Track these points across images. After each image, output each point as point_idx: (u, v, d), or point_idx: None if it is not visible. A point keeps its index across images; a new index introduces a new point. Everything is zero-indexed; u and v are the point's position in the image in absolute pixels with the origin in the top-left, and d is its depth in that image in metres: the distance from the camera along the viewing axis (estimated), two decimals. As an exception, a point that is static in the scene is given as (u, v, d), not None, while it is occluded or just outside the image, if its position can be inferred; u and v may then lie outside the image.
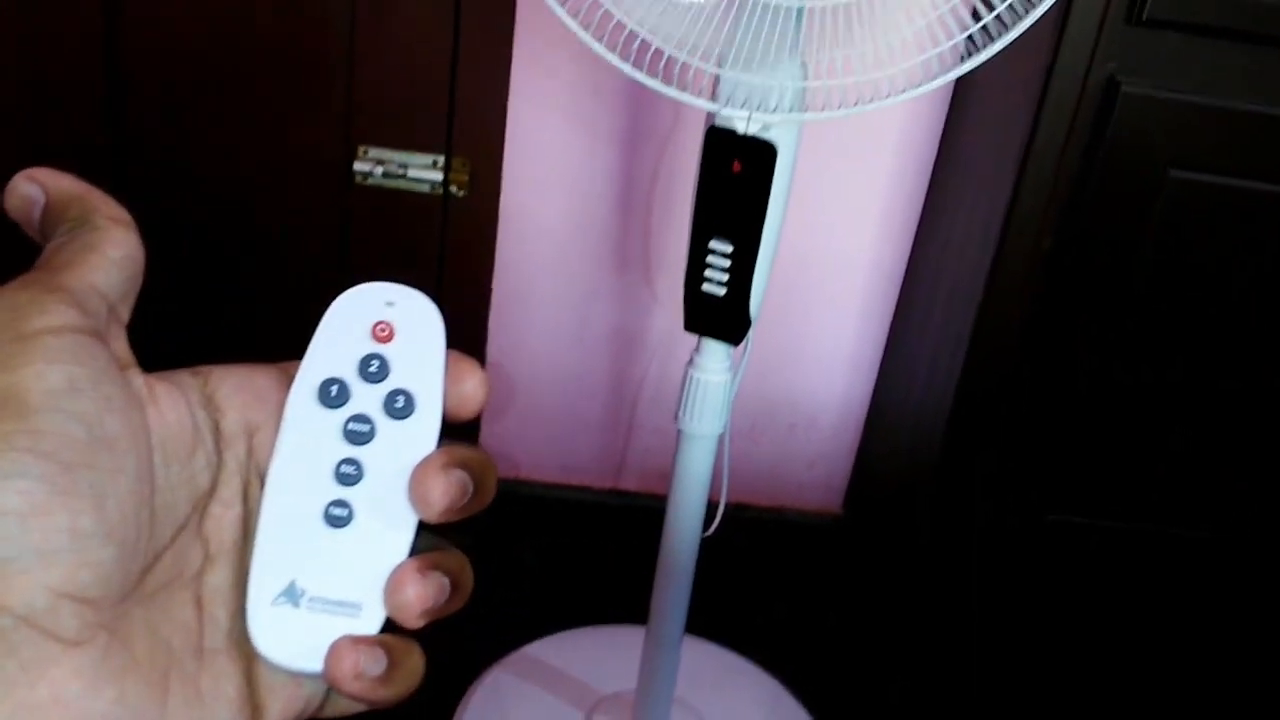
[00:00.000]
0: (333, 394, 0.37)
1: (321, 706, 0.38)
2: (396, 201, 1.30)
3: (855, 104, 0.82)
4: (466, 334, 1.42)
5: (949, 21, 0.76)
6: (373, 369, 0.38)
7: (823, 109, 0.83)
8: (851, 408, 1.56)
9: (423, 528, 0.37)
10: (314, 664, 0.36)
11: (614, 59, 0.86)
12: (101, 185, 0.36)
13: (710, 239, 0.96)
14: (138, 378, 0.35)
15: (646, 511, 1.19)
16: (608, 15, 0.85)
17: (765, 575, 1.57)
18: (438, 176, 1.30)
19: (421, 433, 0.37)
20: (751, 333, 1.01)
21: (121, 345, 0.35)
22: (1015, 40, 1.10)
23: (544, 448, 1.58)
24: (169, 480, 0.35)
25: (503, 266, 1.43)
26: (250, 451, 0.37)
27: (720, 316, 1.00)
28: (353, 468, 0.37)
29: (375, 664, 0.35)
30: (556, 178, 1.40)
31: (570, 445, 1.58)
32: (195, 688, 0.35)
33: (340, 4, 1.24)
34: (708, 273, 0.98)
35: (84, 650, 0.31)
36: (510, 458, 1.58)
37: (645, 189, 1.41)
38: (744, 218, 0.94)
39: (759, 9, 0.79)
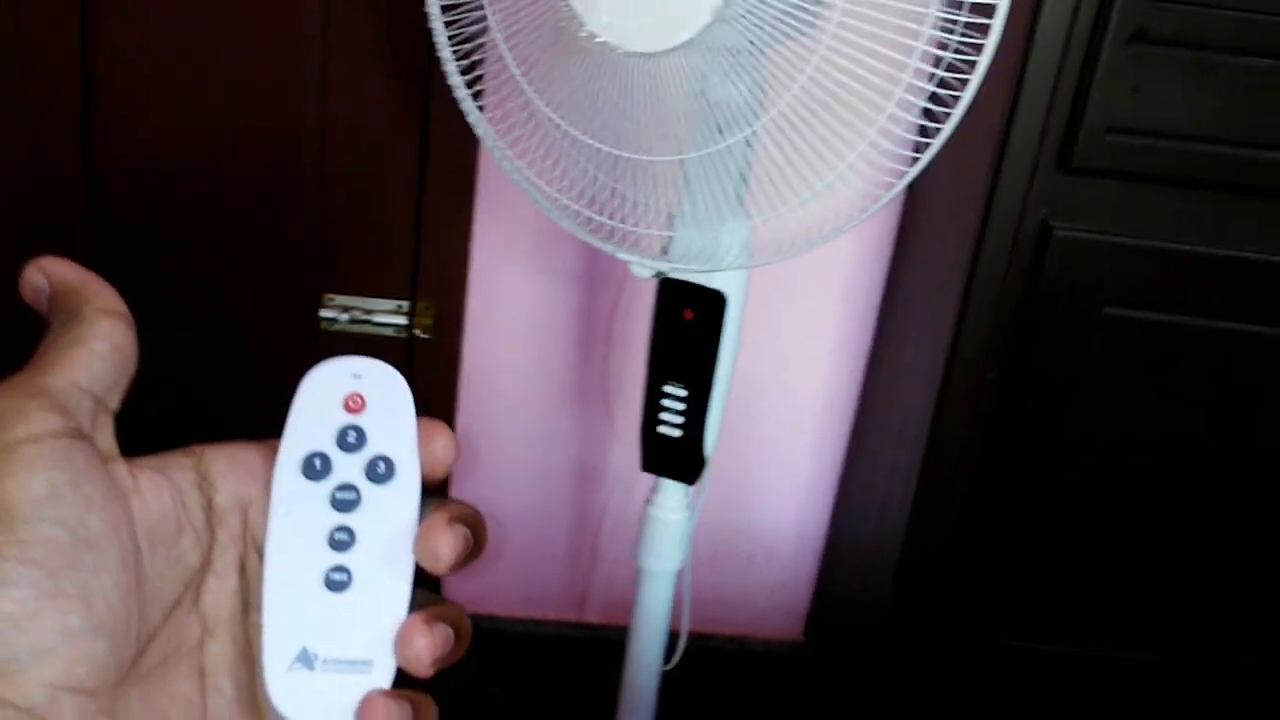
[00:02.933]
0: (316, 467, 0.39)
1: None
2: (363, 345, 1.33)
3: (804, 243, 0.86)
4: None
5: (880, 150, 0.80)
6: (351, 439, 0.39)
7: (771, 252, 0.86)
8: (809, 537, 1.58)
9: (416, 585, 0.39)
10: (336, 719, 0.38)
11: (572, 226, 0.90)
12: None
13: (665, 383, 0.99)
14: (120, 468, 0.36)
15: (611, 644, 1.20)
16: (564, 179, 0.89)
17: (729, 705, 1.57)
18: (402, 321, 1.33)
19: (404, 494, 0.39)
20: (707, 471, 1.03)
21: (106, 437, 0.36)
22: (951, 188, 1.16)
23: (508, 582, 1.58)
24: (155, 566, 0.36)
25: (466, 405, 1.46)
26: (245, 525, 0.39)
27: (676, 457, 1.02)
28: (345, 534, 0.39)
29: (404, 716, 0.37)
30: (518, 319, 1.44)
31: (534, 579, 1.59)
32: None
33: (310, 156, 1.28)
34: (663, 415, 1.00)
35: None
36: (475, 592, 1.58)
37: (604, 328, 1.45)
38: (697, 363, 0.97)
39: (705, 178, 0.83)
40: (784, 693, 1.60)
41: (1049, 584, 1.23)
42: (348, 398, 0.40)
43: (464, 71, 0.90)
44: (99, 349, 0.36)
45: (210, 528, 0.38)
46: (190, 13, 1.23)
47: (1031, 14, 1.01)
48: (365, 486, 0.39)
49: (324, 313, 1.32)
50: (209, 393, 1.37)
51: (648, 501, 1.07)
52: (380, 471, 0.39)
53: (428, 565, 0.38)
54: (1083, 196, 1.07)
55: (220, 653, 0.38)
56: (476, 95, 0.92)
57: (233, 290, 1.33)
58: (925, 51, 0.76)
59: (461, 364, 1.42)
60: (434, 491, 0.40)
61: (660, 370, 0.99)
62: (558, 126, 0.86)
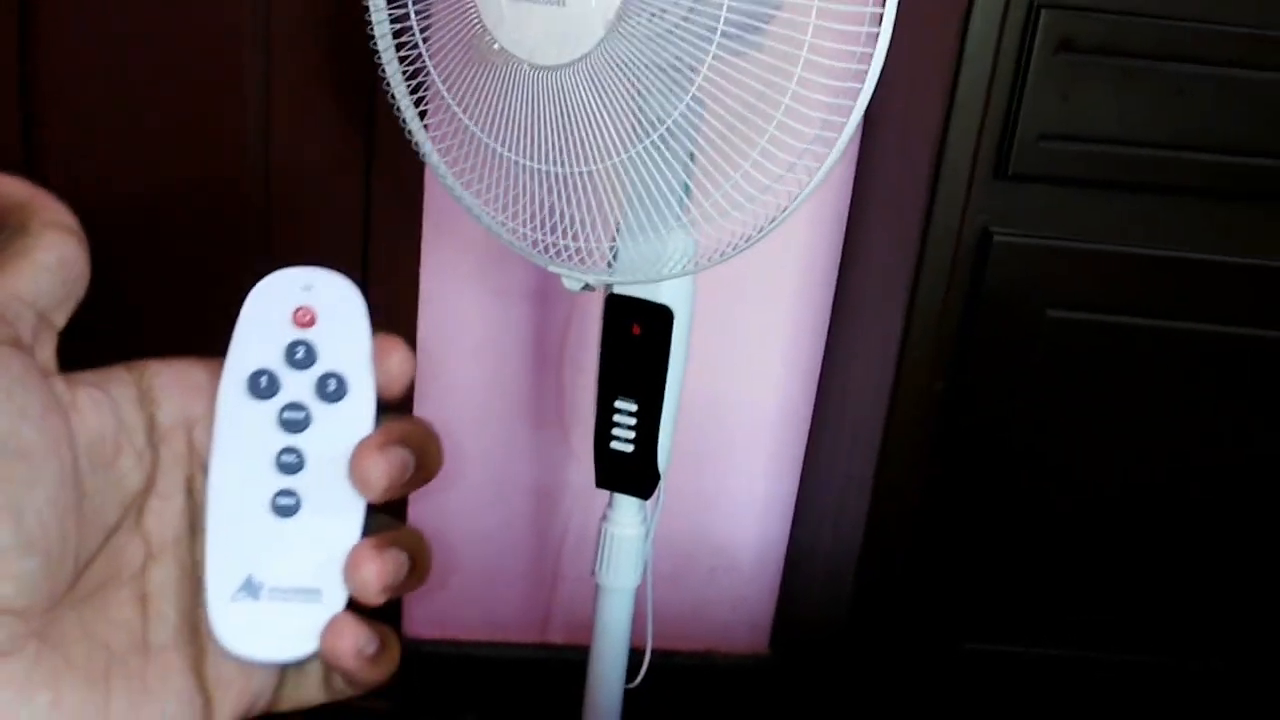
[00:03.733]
0: (263, 385, 0.37)
1: (272, 700, 0.37)
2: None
3: (742, 242, 0.87)
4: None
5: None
6: (299, 355, 0.37)
7: (718, 253, 0.87)
8: (770, 549, 1.59)
9: (373, 509, 0.37)
10: (285, 653, 0.36)
11: (512, 242, 0.91)
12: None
13: (615, 399, 1.00)
14: (58, 384, 0.34)
15: (574, 664, 1.20)
16: (503, 199, 0.90)
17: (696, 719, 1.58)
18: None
19: (357, 413, 0.37)
20: (662, 485, 1.04)
21: (46, 354, 0.34)
22: (892, 199, 1.17)
23: (469, 605, 1.58)
24: (95, 485, 0.34)
25: (420, 428, 1.46)
26: (191, 445, 0.37)
27: (629, 472, 1.03)
28: (293, 456, 0.37)
29: (370, 643, 0.36)
30: (470, 340, 1.44)
31: (495, 601, 1.59)
32: (141, 684, 0.34)
33: (255, 186, 1.28)
34: (615, 431, 1.01)
35: (13, 660, 0.31)
36: (435, 617, 1.58)
37: (557, 347, 1.45)
38: (646, 378, 0.98)
39: (647, 191, 0.84)
40: (751, 706, 1.60)
41: (1005, 587, 1.25)
42: (297, 311, 0.38)
43: (411, 92, 0.91)
44: (44, 261, 0.34)
45: (153, 446, 0.36)
46: (130, 50, 1.23)
47: (961, 26, 1.03)
48: (315, 405, 0.37)
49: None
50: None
51: (603, 518, 1.08)
52: (331, 389, 0.37)
53: (361, 491, 0.36)
54: (1020, 202, 1.10)
55: (164, 578, 0.36)
56: (422, 116, 0.93)
57: (172, 331, 1.32)
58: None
59: (415, 389, 1.43)
60: (391, 410, 0.38)
61: (610, 386, 1.00)
62: (487, 145, 0.87)
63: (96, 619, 0.34)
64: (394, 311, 1.34)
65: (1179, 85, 1.05)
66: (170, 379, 0.37)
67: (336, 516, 0.37)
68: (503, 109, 0.84)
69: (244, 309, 0.38)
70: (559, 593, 1.59)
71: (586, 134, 0.80)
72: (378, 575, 0.36)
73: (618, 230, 0.88)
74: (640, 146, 0.80)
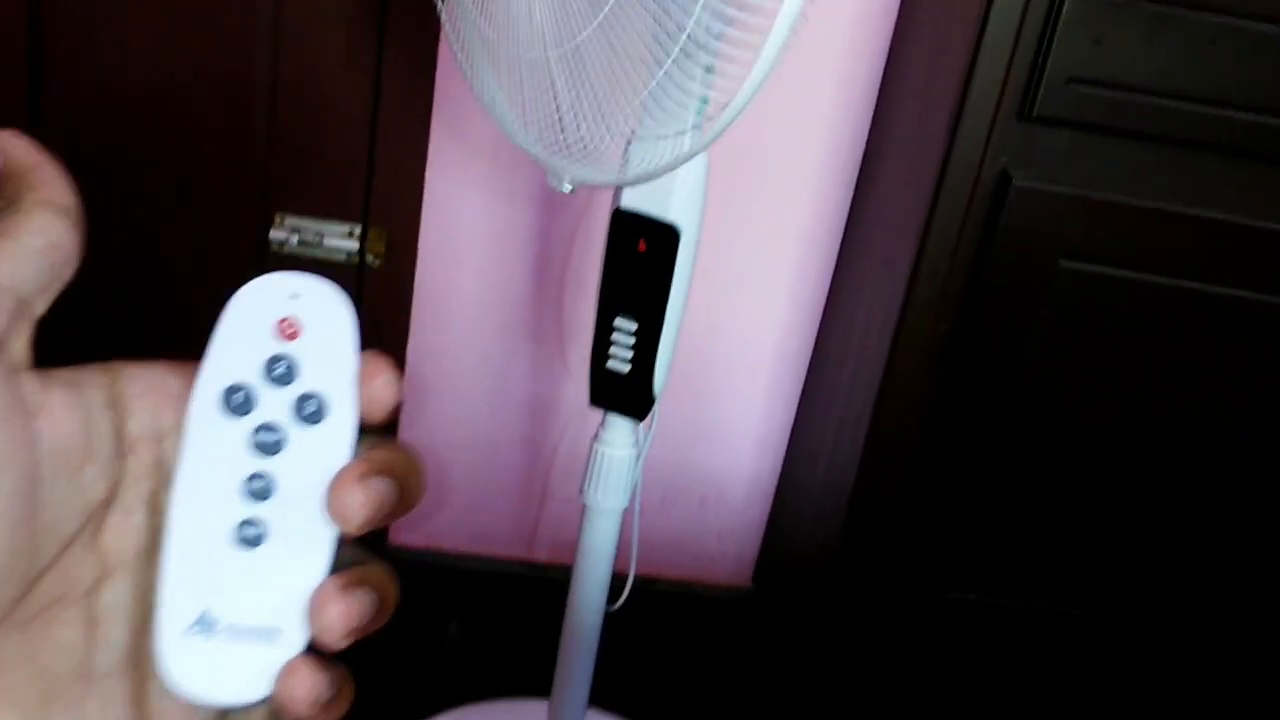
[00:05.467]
0: (237, 402, 0.34)
1: None
2: (313, 270, 1.31)
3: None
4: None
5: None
6: (279, 371, 0.34)
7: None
8: (761, 483, 1.59)
9: (341, 540, 0.35)
10: (236, 696, 0.34)
11: (520, 136, 0.89)
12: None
13: (615, 317, 0.99)
14: (30, 381, 0.32)
15: (557, 583, 1.20)
16: (521, 96, 0.88)
17: (674, 648, 1.58)
18: (353, 246, 1.32)
19: (335, 438, 0.34)
20: (656, 408, 1.03)
21: (20, 345, 0.32)
22: (911, 135, 1.15)
23: (455, 516, 1.58)
24: (56, 495, 0.32)
25: (417, 336, 1.45)
26: (160, 458, 0.34)
27: (625, 393, 1.02)
28: (263, 482, 0.34)
29: (328, 691, 0.33)
30: (472, 248, 1.42)
31: (482, 515, 1.59)
32: (79, 713, 0.32)
33: (261, 71, 1.25)
34: (612, 350, 1.00)
35: None
36: (420, 525, 1.58)
37: (560, 262, 1.44)
38: (648, 297, 0.97)
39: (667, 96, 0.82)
40: (729, 638, 1.61)
41: (994, 538, 1.24)
42: (281, 322, 0.35)
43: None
44: (31, 244, 0.31)
45: (120, 456, 0.34)
46: None
47: (998, -41, 1.00)
48: (292, 427, 0.34)
49: (274, 234, 1.30)
50: (150, 310, 1.35)
51: (595, 438, 1.07)
52: (309, 411, 0.34)
53: (339, 524, 0.34)
54: (1042, 146, 1.07)
55: (116, 599, 0.34)
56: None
57: (181, 206, 1.31)
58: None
59: (413, 294, 1.41)
60: (371, 433, 0.35)
61: (611, 303, 0.99)
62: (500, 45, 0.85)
63: (40, 641, 0.32)
64: (397, 207, 1.32)
65: (1213, 36, 1.02)
66: (144, 386, 0.34)
67: (303, 550, 0.34)
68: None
69: (225, 314, 0.35)
70: (546, 511, 1.59)
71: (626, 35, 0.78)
72: (343, 619, 0.33)
73: (633, 136, 0.86)
74: (662, 54, 0.78)
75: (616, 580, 1.16)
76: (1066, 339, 1.14)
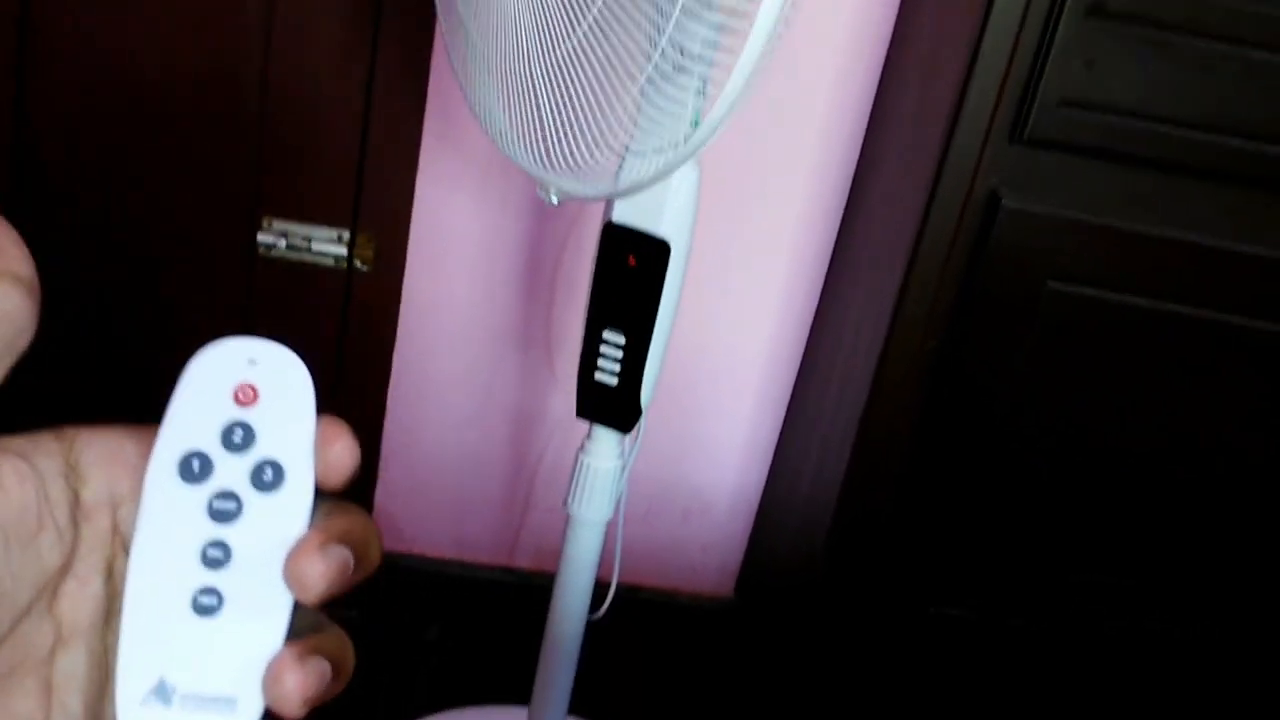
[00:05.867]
0: (195, 469, 0.34)
1: None
2: (300, 274, 1.30)
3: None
4: (366, 408, 1.42)
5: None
6: (236, 439, 0.34)
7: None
8: (745, 495, 1.59)
9: (298, 606, 0.34)
10: None
11: (514, 152, 0.89)
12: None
13: (604, 329, 0.99)
14: None
15: (539, 590, 1.20)
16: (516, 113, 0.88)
17: (656, 657, 1.58)
18: (342, 251, 1.31)
19: (293, 505, 0.34)
20: (642, 422, 1.03)
21: None
22: (903, 153, 1.15)
23: (438, 522, 1.58)
24: (10, 566, 0.32)
25: (404, 341, 1.44)
26: (115, 525, 0.34)
27: (612, 405, 1.02)
28: (219, 550, 0.34)
29: None
30: (461, 255, 1.42)
31: (465, 521, 1.58)
32: None
33: (251, 73, 1.25)
34: (600, 362, 1.00)
35: None
36: (403, 530, 1.57)
37: (549, 270, 1.43)
38: (637, 311, 0.97)
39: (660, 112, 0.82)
40: (711, 648, 1.61)
41: (976, 554, 1.24)
42: (238, 388, 0.35)
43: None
44: None
45: (74, 525, 0.33)
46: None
47: (992, -19, 1.00)
48: (249, 494, 0.34)
49: (261, 237, 1.29)
50: (137, 312, 1.34)
51: (580, 449, 1.07)
52: (267, 478, 0.34)
53: (297, 593, 0.34)
54: (1033, 169, 1.07)
55: (72, 667, 0.33)
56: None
57: (168, 206, 1.30)
58: None
59: (401, 299, 1.41)
60: (329, 498, 0.35)
61: (600, 316, 0.99)
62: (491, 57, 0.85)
63: None
64: (386, 212, 1.32)
65: (1207, 62, 1.02)
66: (99, 453, 0.34)
67: (260, 619, 0.34)
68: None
69: (182, 378, 0.35)
70: (530, 519, 1.59)
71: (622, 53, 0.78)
72: (300, 688, 0.33)
73: (626, 151, 0.86)
74: (650, 70, 0.78)
75: (599, 588, 1.16)
76: (1053, 359, 1.14)
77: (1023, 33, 1.02)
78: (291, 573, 0.34)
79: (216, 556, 0.34)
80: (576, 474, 1.07)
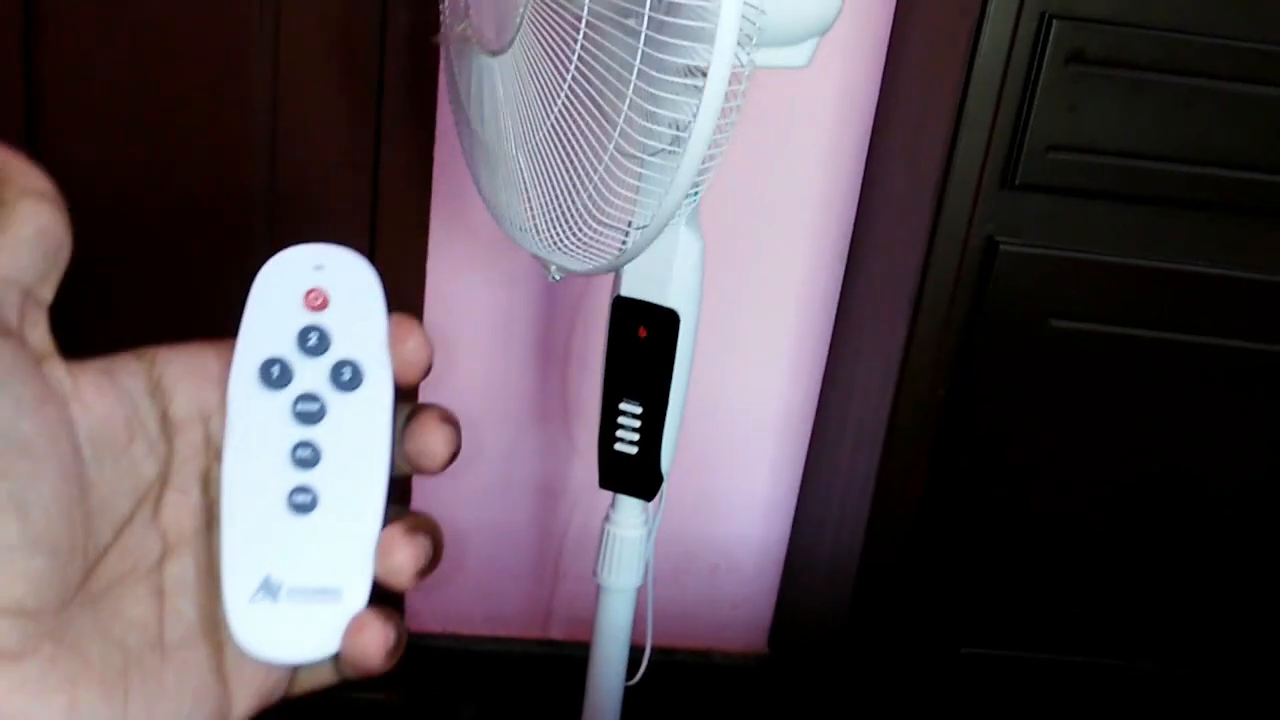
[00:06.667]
0: (275, 375, 0.35)
1: (288, 689, 0.37)
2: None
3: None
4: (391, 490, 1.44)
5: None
6: (312, 342, 0.35)
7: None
8: (771, 548, 1.60)
9: (389, 499, 0.36)
10: (306, 654, 0.35)
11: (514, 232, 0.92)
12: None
13: (620, 400, 1.01)
14: (58, 369, 0.32)
15: (575, 660, 1.21)
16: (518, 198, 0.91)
17: (694, 718, 1.59)
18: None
19: (373, 402, 0.35)
20: (665, 488, 1.05)
21: (40, 333, 0.32)
22: (899, 206, 1.18)
23: (471, 600, 1.59)
24: (103, 475, 0.33)
25: (425, 423, 1.46)
26: (207, 436, 0.35)
27: (633, 474, 1.04)
28: (309, 450, 0.35)
29: (396, 637, 0.35)
30: (476, 335, 1.45)
31: (497, 597, 1.60)
32: (158, 684, 0.33)
33: (260, 170, 1.28)
34: (619, 432, 1.02)
35: (27, 662, 0.30)
36: (438, 610, 1.59)
37: (562, 343, 1.46)
38: (652, 381, 0.99)
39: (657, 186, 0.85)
40: (749, 705, 1.61)
41: (1003, 593, 1.25)
42: (309, 294, 0.36)
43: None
44: (23, 234, 0.31)
45: (167, 438, 0.35)
46: (134, 35, 1.24)
47: (972, 35, 1.04)
48: (330, 395, 0.35)
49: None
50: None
51: (606, 519, 1.09)
52: (346, 378, 0.35)
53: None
54: (1026, 213, 1.10)
55: (181, 573, 0.35)
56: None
57: (182, 312, 1.33)
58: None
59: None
60: (405, 398, 0.37)
61: (616, 388, 1.01)
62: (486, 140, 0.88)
63: (112, 617, 0.33)
64: (400, 305, 1.34)
65: (1187, 99, 1.05)
66: (182, 369, 0.35)
67: (356, 512, 0.35)
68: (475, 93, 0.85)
69: (253, 291, 0.36)
70: (561, 589, 1.60)
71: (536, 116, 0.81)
72: (413, 560, 0.35)
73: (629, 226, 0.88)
74: (611, 149, 0.81)
75: (633, 653, 1.17)
76: (1061, 395, 1.16)
77: (1006, 83, 1.05)
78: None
79: (306, 456, 0.35)
80: (604, 544, 1.09)
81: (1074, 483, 1.20)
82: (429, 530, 0.36)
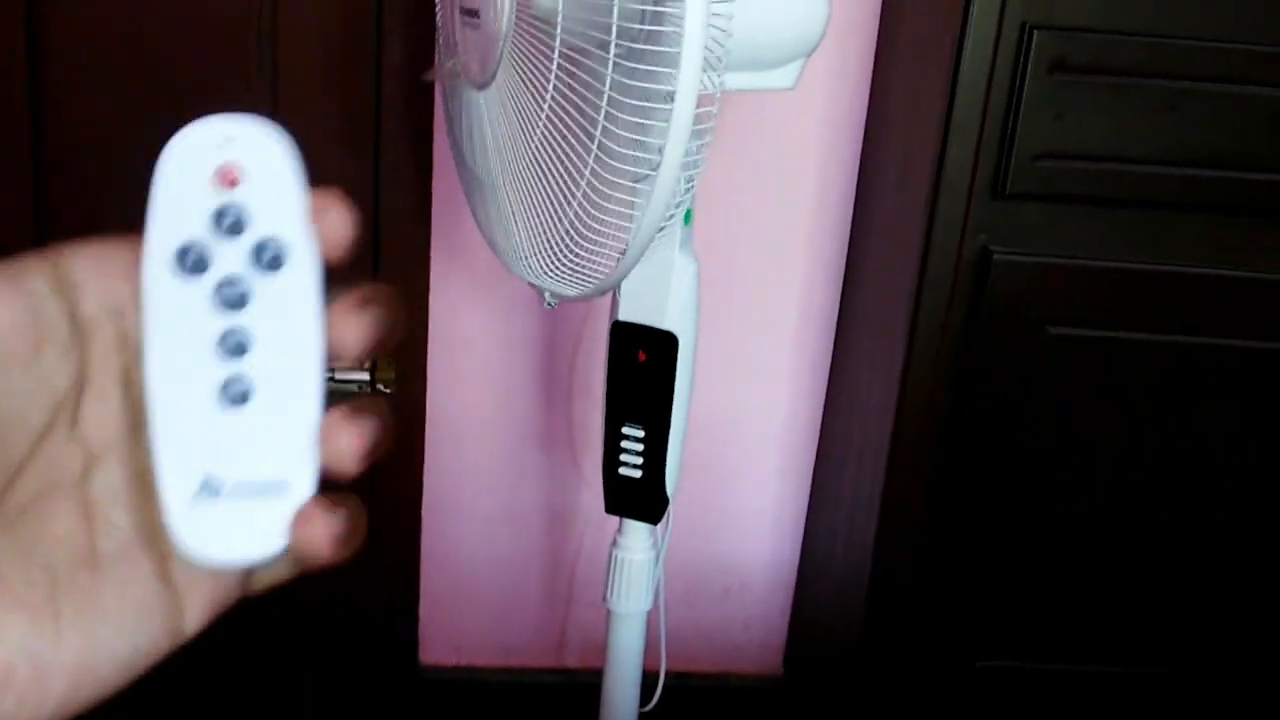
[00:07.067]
0: (191, 261, 0.32)
1: (243, 589, 0.35)
2: (326, 401, 1.34)
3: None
4: (400, 524, 1.45)
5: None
6: (228, 222, 0.32)
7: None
8: (782, 567, 1.60)
9: (329, 382, 0.34)
10: (256, 553, 0.33)
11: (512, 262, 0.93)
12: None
13: (623, 424, 1.02)
14: None
15: (589, 688, 1.21)
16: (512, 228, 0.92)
17: (712, 742, 1.58)
18: (364, 376, 1.35)
19: (301, 281, 0.33)
20: (670, 510, 1.05)
21: None
22: (893, 220, 1.18)
23: (484, 631, 1.59)
24: (11, 387, 0.31)
25: (431, 455, 1.47)
26: (123, 334, 0.33)
27: (638, 498, 1.04)
28: (237, 337, 0.33)
29: (344, 525, 0.33)
30: (479, 366, 1.46)
31: (509, 627, 1.60)
32: (94, 603, 0.32)
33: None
34: (623, 457, 1.02)
35: None
36: (450, 643, 1.59)
37: (564, 370, 1.47)
38: (653, 404, 1.00)
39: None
40: (766, 726, 1.61)
41: (1014, 603, 1.25)
42: (220, 170, 0.33)
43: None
44: None
45: (79, 341, 0.32)
46: (132, 86, 1.25)
47: (955, 49, 1.05)
48: (253, 277, 0.33)
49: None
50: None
51: (613, 544, 1.09)
52: (269, 257, 0.33)
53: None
54: (1018, 221, 1.11)
55: (109, 483, 0.33)
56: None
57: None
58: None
59: (425, 412, 1.44)
60: (333, 278, 0.34)
61: (617, 413, 1.01)
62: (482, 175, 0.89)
63: (34, 538, 0.31)
64: (404, 339, 1.35)
65: (1170, 102, 1.06)
66: (90, 264, 0.32)
67: (294, 398, 0.33)
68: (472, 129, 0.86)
69: (157, 173, 0.33)
70: (572, 616, 1.60)
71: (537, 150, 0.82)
72: (358, 442, 0.33)
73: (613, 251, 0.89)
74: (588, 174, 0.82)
75: (648, 679, 1.17)
76: (1061, 401, 1.17)
77: (991, 95, 1.06)
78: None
79: (235, 344, 0.33)
80: (612, 569, 1.09)
81: (1077, 488, 1.20)
82: (374, 410, 0.34)
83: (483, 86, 0.84)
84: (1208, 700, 1.30)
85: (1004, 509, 1.21)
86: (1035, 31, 1.03)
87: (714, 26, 0.71)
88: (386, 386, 1.36)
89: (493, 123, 0.86)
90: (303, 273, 0.33)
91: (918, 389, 1.17)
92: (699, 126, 0.74)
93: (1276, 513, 1.21)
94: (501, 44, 0.80)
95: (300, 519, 0.33)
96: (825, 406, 1.50)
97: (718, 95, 0.74)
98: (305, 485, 0.33)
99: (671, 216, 0.80)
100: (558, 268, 0.87)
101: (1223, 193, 1.10)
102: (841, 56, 1.36)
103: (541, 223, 0.85)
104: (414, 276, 1.35)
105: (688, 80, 0.71)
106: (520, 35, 0.79)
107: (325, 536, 0.32)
